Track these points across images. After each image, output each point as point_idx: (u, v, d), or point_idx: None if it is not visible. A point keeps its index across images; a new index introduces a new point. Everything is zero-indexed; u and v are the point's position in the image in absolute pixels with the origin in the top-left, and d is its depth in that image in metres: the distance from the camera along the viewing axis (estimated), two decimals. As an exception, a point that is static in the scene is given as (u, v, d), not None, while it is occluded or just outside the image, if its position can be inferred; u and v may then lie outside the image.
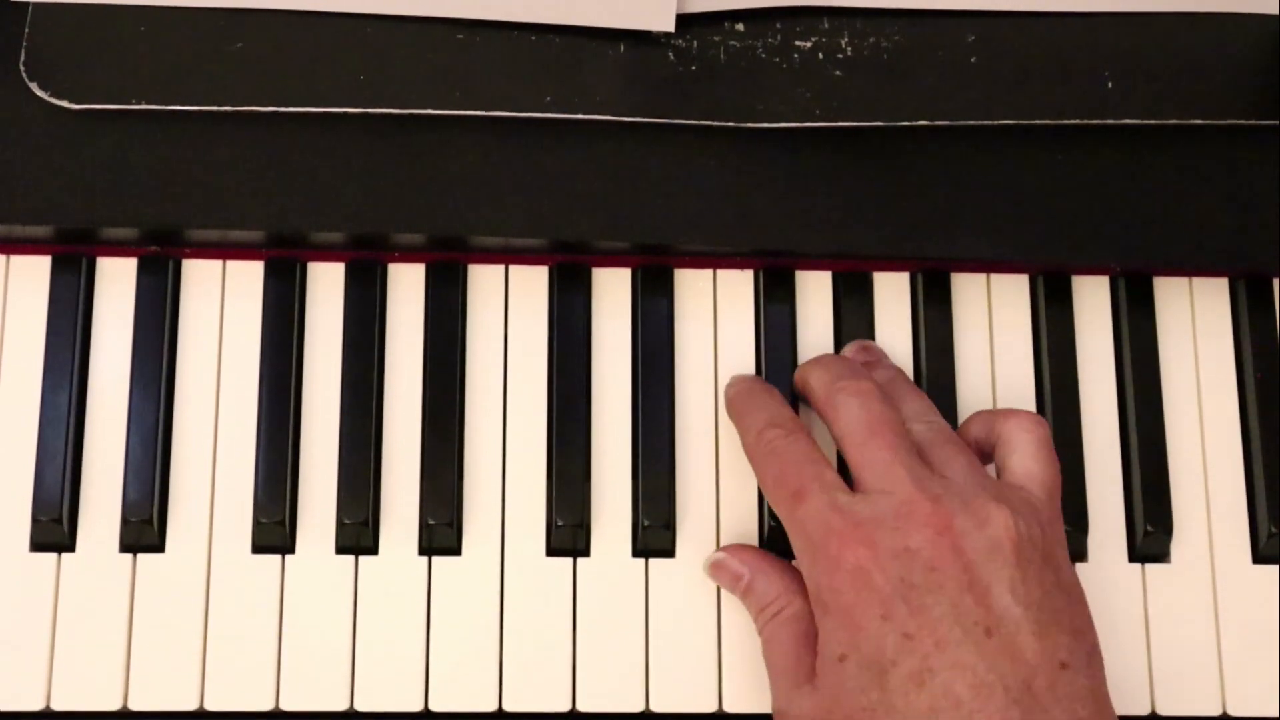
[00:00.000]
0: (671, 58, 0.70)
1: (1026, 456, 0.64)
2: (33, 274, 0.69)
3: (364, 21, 0.69)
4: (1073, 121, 0.69)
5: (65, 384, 0.67)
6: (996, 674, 0.58)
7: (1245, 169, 0.70)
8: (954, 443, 0.64)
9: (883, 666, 0.59)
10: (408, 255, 0.70)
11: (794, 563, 0.64)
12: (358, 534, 0.67)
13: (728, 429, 0.69)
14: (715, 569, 0.67)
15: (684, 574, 0.67)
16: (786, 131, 0.69)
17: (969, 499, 0.61)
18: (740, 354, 0.70)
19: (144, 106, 0.68)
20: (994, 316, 0.71)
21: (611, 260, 0.70)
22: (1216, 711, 0.67)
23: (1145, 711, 0.67)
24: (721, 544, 0.68)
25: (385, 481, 0.68)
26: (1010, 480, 0.64)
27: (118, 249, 0.69)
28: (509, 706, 0.66)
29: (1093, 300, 0.71)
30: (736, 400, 0.68)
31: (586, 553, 0.67)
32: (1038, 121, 0.69)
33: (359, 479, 0.67)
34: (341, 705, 0.66)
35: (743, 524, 0.68)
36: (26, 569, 0.66)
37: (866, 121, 0.69)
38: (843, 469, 0.65)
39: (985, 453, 0.66)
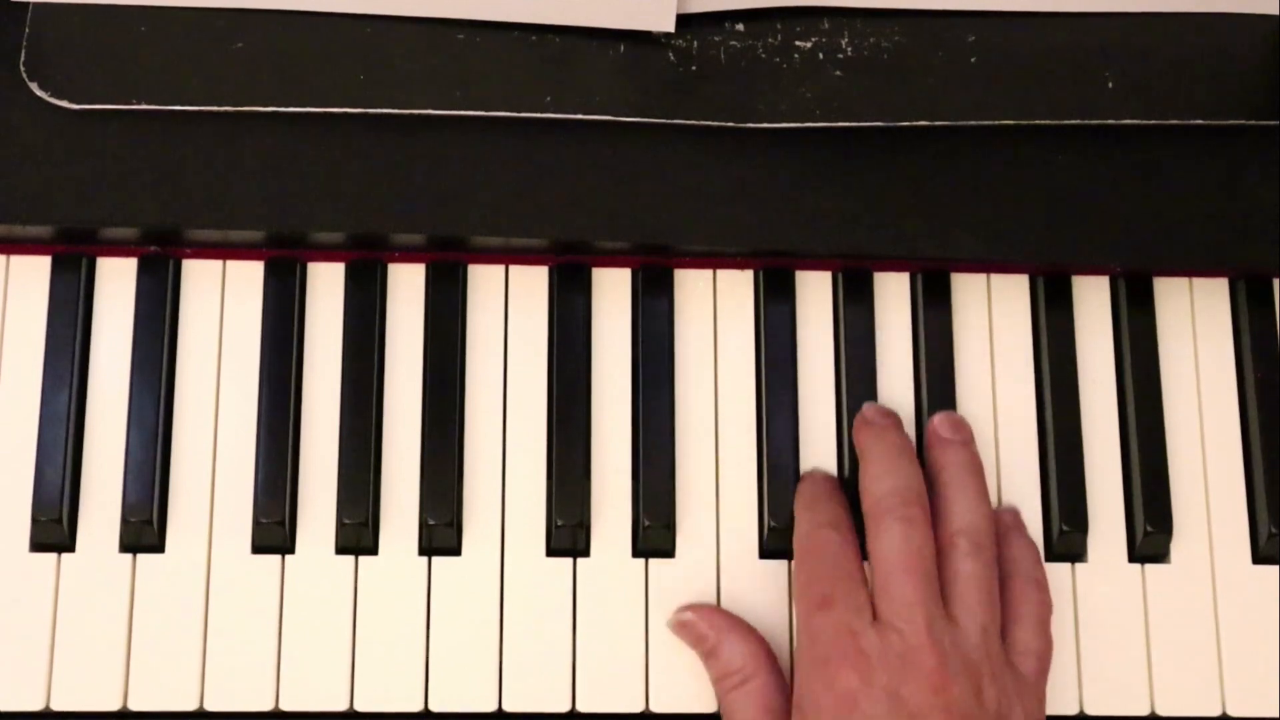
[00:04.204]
0: (671, 58, 0.70)
1: (1030, 630, 0.65)
2: (33, 274, 0.69)
3: (364, 21, 0.69)
4: (1073, 121, 0.69)
5: (65, 384, 0.67)
6: None
7: (1245, 169, 0.70)
8: (982, 587, 0.64)
9: None
10: (408, 255, 0.70)
11: (796, 664, 0.64)
12: (358, 534, 0.67)
13: (728, 429, 0.69)
14: (681, 628, 0.66)
15: (684, 574, 0.67)
16: (787, 131, 0.69)
17: (973, 666, 0.62)
18: (740, 354, 0.70)
19: (144, 106, 0.67)
20: (994, 316, 0.71)
21: (611, 260, 0.70)
22: (1216, 712, 0.67)
23: (1145, 712, 0.67)
24: (722, 545, 0.68)
25: (385, 481, 0.68)
26: (1012, 648, 0.64)
27: (118, 249, 0.69)
28: (509, 707, 0.66)
29: (1093, 300, 0.71)
30: (805, 489, 0.67)
31: (586, 553, 0.67)
32: (1038, 121, 0.69)
33: (359, 479, 0.67)
34: (341, 705, 0.66)
35: (742, 524, 0.68)
36: (26, 569, 0.66)
37: (866, 121, 0.69)
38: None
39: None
